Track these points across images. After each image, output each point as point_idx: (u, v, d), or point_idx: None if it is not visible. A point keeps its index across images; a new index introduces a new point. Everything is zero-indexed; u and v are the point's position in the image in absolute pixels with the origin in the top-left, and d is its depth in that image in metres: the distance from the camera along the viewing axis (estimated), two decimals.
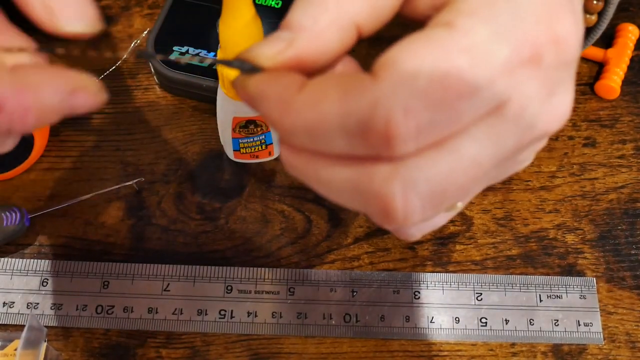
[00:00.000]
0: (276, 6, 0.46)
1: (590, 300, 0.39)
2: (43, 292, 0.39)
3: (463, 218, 0.42)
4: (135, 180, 0.42)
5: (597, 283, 0.40)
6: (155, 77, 0.45)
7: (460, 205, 0.24)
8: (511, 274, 0.40)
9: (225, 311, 0.39)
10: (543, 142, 0.25)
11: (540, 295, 0.40)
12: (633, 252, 0.41)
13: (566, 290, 0.40)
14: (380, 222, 0.23)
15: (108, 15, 0.49)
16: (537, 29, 0.22)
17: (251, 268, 0.40)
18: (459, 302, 0.39)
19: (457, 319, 0.39)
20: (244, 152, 0.42)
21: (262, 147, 0.41)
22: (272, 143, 0.41)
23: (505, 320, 0.39)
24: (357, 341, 0.38)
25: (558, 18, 0.22)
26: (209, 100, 0.43)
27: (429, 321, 0.39)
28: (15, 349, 0.36)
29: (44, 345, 0.35)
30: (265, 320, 0.38)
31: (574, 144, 0.45)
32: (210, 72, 0.43)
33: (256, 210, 0.42)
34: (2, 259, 0.40)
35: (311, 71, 0.23)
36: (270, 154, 0.43)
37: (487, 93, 0.21)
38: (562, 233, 0.42)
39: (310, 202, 0.42)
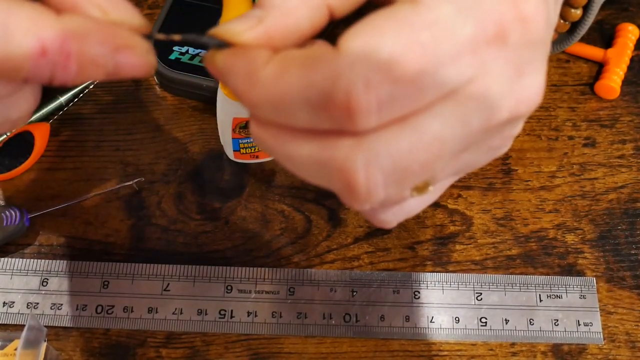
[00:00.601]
0: None
1: (590, 300, 0.39)
2: (43, 292, 0.39)
3: (463, 218, 0.42)
4: (135, 180, 0.42)
5: (597, 283, 0.40)
6: (155, 77, 0.46)
7: (431, 189, 0.23)
8: (511, 273, 0.40)
9: (225, 311, 0.39)
10: (517, 127, 0.25)
11: (540, 295, 0.40)
12: (633, 252, 0.41)
13: (566, 290, 0.40)
14: (346, 200, 0.23)
15: None
16: (502, 7, 0.21)
17: (251, 268, 0.40)
18: (459, 302, 0.39)
19: (457, 319, 0.39)
20: (244, 152, 0.42)
21: None
22: None
23: (505, 320, 0.39)
24: (357, 341, 0.38)
25: None
26: (209, 100, 0.43)
27: (429, 321, 0.39)
28: (15, 349, 0.36)
29: (44, 345, 0.36)
30: (265, 320, 0.38)
31: (574, 144, 0.45)
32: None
33: (256, 210, 0.42)
34: (2, 259, 0.40)
35: (280, 49, 0.23)
36: None
37: (450, 70, 0.21)
38: (562, 233, 0.42)
39: (310, 202, 0.42)
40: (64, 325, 0.38)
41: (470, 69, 0.21)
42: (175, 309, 0.39)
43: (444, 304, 0.39)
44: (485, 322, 0.39)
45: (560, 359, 0.38)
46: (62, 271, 0.39)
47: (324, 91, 0.20)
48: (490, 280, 0.40)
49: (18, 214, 0.39)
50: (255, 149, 0.41)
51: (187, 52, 0.44)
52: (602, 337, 0.38)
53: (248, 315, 0.38)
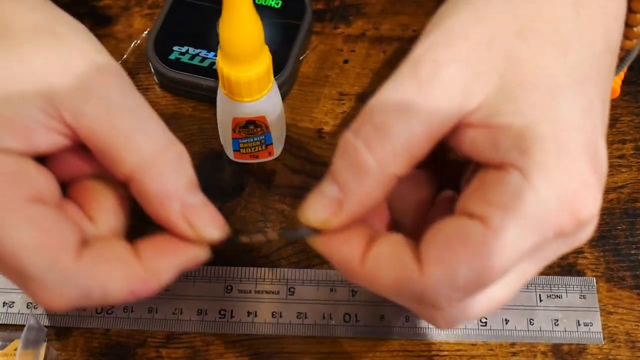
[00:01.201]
0: (276, 6, 0.46)
1: (590, 300, 0.39)
2: None
3: None
4: None
5: (597, 283, 0.40)
6: (155, 77, 0.46)
7: None
8: None
9: (225, 311, 0.39)
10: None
11: (540, 295, 0.40)
12: (633, 252, 0.41)
13: (566, 290, 0.40)
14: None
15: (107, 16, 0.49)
16: (561, 216, 0.26)
17: (251, 268, 0.40)
18: None
19: None
20: (244, 152, 0.42)
21: (262, 147, 0.41)
22: (272, 143, 0.41)
23: (505, 320, 0.39)
24: (357, 341, 0.38)
25: (582, 202, 0.26)
26: (209, 100, 0.43)
27: None
28: (15, 349, 0.36)
29: (44, 345, 0.36)
30: (265, 320, 0.38)
31: None
32: (210, 72, 0.43)
33: (256, 210, 0.42)
34: None
35: (359, 218, 0.28)
36: (270, 154, 0.43)
37: (512, 272, 0.27)
38: None
39: None
40: (64, 325, 0.38)
41: (531, 261, 0.27)
42: (175, 309, 0.39)
43: None
44: (485, 322, 0.39)
45: (560, 359, 0.38)
46: None
47: (413, 296, 0.27)
48: None
49: None
50: (255, 149, 0.42)
51: (187, 52, 0.44)
52: (602, 337, 0.38)
53: (248, 315, 0.38)
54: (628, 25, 0.33)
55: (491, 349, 0.38)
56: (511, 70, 0.27)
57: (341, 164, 0.28)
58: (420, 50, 0.28)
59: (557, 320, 0.39)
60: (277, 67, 0.41)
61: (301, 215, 0.29)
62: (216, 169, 0.43)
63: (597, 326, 0.39)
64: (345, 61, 0.48)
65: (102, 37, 0.48)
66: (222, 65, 0.35)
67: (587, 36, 0.28)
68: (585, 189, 0.26)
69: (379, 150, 0.27)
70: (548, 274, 0.40)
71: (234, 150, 0.42)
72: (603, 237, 0.42)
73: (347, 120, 0.45)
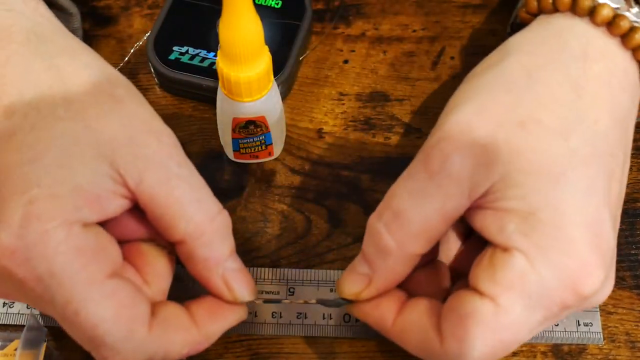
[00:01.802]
0: (276, 6, 0.46)
1: None
2: None
3: None
4: None
5: None
6: (155, 77, 0.46)
7: None
8: None
9: None
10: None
11: None
12: (633, 252, 0.41)
13: None
14: None
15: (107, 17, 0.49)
16: (564, 294, 0.28)
17: (251, 268, 0.40)
18: None
19: None
20: (244, 152, 0.42)
21: (262, 147, 0.41)
22: (272, 143, 0.41)
23: None
24: (357, 341, 0.38)
25: (582, 280, 0.28)
26: (209, 100, 0.43)
27: None
28: (15, 349, 0.36)
29: (44, 345, 0.36)
30: (265, 320, 0.38)
31: None
32: (210, 72, 0.43)
33: (256, 210, 0.42)
34: None
35: (387, 290, 0.33)
36: (270, 154, 0.43)
37: (522, 342, 0.30)
38: None
39: (310, 202, 0.42)
40: None
41: (540, 326, 0.30)
42: None
43: None
44: None
45: (560, 359, 0.38)
46: None
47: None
48: None
49: None
50: (255, 149, 0.42)
51: (187, 52, 0.44)
52: (602, 337, 0.38)
53: (248, 315, 0.38)
54: None
55: None
56: (515, 159, 0.29)
57: (369, 245, 0.32)
58: (432, 141, 0.31)
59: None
60: (277, 67, 0.41)
61: (337, 289, 0.34)
62: (216, 169, 0.43)
63: (597, 326, 0.39)
64: (345, 61, 0.48)
65: (102, 37, 0.48)
66: (222, 65, 0.35)
67: (590, 116, 0.30)
68: (584, 269, 0.28)
69: (398, 234, 0.30)
70: None
71: (234, 150, 0.42)
72: None
73: (347, 120, 0.45)
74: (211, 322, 0.32)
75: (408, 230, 0.30)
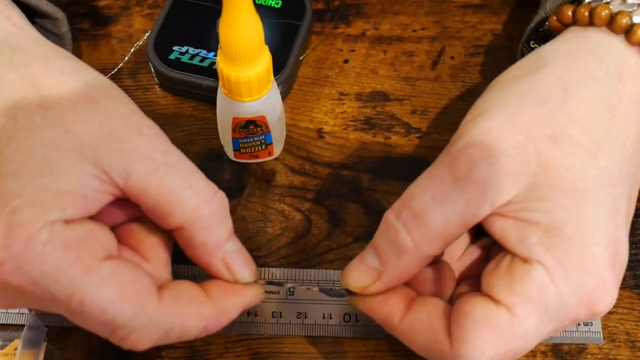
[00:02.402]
0: (276, 6, 0.46)
1: None
2: None
3: None
4: None
5: None
6: (155, 77, 0.46)
7: None
8: None
9: None
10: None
11: None
12: (633, 252, 0.41)
13: None
14: None
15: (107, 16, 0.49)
16: (579, 310, 0.29)
17: None
18: None
19: None
20: (244, 152, 0.42)
21: (262, 147, 0.41)
22: (272, 143, 0.41)
23: None
24: (357, 341, 0.38)
25: (599, 298, 0.29)
26: (209, 100, 0.43)
27: None
28: (15, 349, 0.36)
29: (44, 345, 0.35)
30: (265, 320, 0.38)
31: None
32: (210, 72, 0.43)
33: (256, 210, 0.42)
34: None
35: (394, 287, 0.32)
36: (270, 154, 0.43)
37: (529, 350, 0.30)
38: None
39: (310, 202, 0.42)
40: (64, 325, 0.38)
41: (547, 336, 0.30)
42: None
43: None
44: None
45: (560, 359, 0.38)
46: None
47: None
48: None
49: None
50: (255, 149, 0.42)
51: (187, 51, 0.44)
52: (602, 336, 0.38)
53: (248, 315, 0.38)
54: None
55: None
56: (542, 172, 0.29)
57: (382, 240, 0.31)
58: (460, 145, 0.31)
59: None
60: (277, 67, 0.41)
61: (342, 279, 0.33)
62: (216, 168, 0.43)
63: (597, 326, 0.39)
64: (345, 61, 0.48)
65: (102, 37, 0.48)
66: (222, 65, 0.35)
67: (620, 137, 0.31)
68: (603, 287, 0.29)
69: (417, 235, 0.30)
70: None
71: (234, 150, 0.42)
72: None
73: (347, 120, 0.45)
74: (225, 296, 0.32)
75: (426, 231, 0.30)
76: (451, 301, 0.33)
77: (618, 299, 0.39)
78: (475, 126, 0.31)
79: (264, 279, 0.39)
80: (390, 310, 0.32)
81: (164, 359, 0.38)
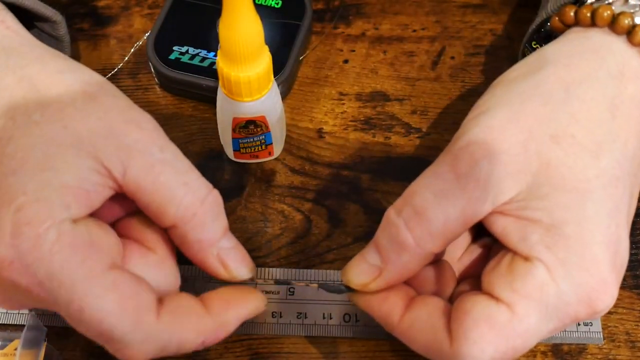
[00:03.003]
0: (276, 6, 0.46)
1: None
2: None
3: None
4: None
5: None
6: (155, 77, 0.46)
7: None
8: None
9: None
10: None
11: None
12: (633, 252, 0.41)
13: None
14: None
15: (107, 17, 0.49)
16: (579, 308, 0.29)
17: None
18: None
19: None
20: (244, 152, 0.42)
21: (262, 147, 0.41)
22: (272, 143, 0.41)
23: None
24: (357, 341, 0.38)
25: (599, 297, 0.29)
26: (209, 100, 0.43)
27: None
28: (15, 349, 0.36)
29: (44, 345, 0.35)
30: (265, 320, 0.38)
31: None
32: (210, 72, 0.43)
33: (256, 210, 0.42)
34: None
35: (395, 284, 0.32)
36: (270, 154, 0.43)
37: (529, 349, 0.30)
38: None
39: (310, 202, 0.42)
40: (64, 325, 0.38)
41: (547, 335, 0.30)
42: None
43: None
44: None
45: (560, 359, 0.38)
46: None
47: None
48: None
49: None
50: (255, 149, 0.42)
51: (187, 52, 0.44)
52: (602, 337, 0.38)
53: None
54: None
55: None
56: (544, 171, 0.29)
57: (383, 237, 0.31)
58: (462, 143, 0.31)
59: None
60: (277, 67, 0.41)
61: (343, 276, 0.33)
62: (216, 168, 0.43)
63: (597, 326, 0.39)
64: (345, 61, 0.48)
65: (102, 37, 0.48)
66: (222, 65, 0.35)
67: (621, 137, 0.31)
68: (603, 286, 0.29)
69: (418, 231, 0.30)
70: None
71: (234, 150, 0.42)
72: None
73: (347, 120, 0.45)
74: (225, 310, 0.32)
75: (427, 229, 0.30)
76: (451, 300, 0.33)
77: (618, 299, 0.39)
78: (477, 125, 0.31)
79: (264, 279, 0.39)
80: (390, 309, 0.32)
81: (163, 359, 0.38)
